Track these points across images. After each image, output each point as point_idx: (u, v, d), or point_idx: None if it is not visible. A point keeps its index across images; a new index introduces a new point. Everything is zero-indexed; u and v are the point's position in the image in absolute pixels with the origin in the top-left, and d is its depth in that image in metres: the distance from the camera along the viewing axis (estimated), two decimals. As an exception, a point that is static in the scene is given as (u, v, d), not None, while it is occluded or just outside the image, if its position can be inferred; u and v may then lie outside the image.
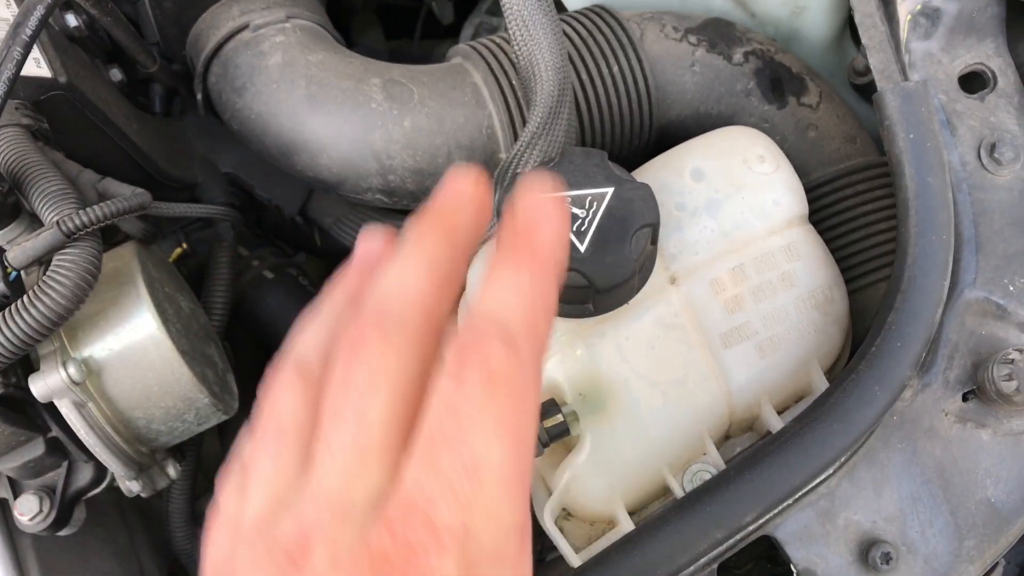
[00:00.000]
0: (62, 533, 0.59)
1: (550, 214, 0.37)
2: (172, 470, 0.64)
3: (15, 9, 0.60)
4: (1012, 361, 0.53)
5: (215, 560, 0.34)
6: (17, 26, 0.51)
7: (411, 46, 1.08)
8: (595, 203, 0.52)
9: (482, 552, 0.31)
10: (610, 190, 0.53)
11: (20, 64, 0.51)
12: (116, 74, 0.74)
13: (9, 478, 0.59)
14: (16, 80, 0.51)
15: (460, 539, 0.31)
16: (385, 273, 0.36)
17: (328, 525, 0.32)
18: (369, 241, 0.41)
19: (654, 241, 0.53)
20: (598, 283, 0.50)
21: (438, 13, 0.93)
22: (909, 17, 0.58)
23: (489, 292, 0.36)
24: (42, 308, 0.50)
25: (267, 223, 0.84)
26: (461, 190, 0.39)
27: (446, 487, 0.31)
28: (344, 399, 0.34)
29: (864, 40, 0.58)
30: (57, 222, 0.51)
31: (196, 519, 0.77)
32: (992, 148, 0.58)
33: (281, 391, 0.36)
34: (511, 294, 0.36)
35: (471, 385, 0.32)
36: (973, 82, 0.59)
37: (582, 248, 0.51)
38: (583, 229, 0.52)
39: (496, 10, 0.95)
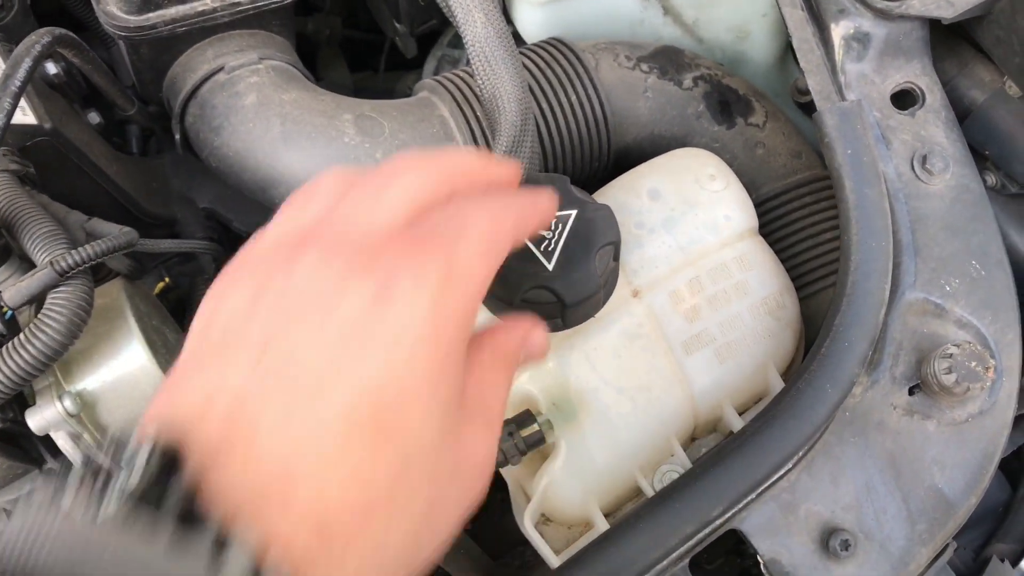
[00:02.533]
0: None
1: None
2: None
3: (-1, 61, 0.63)
4: (951, 355, 0.57)
5: (229, 263, 0.42)
6: (6, 78, 0.54)
7: (376, 79, 1.11)
8: (560, 224, 0.56)
9: (459, 264, 0.40)
10: (573, 212, 0.56)
11: (10, 115, 0.53)
12: (94, 117, 0.77)
13: (6, 511, 0.61)
14: (7, 130, 0.53)
15: (448, 247, 0.40)
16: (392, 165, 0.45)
17: (336, 229, 0.41)
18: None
19: (616, 258, 0.57)
20: (566, 298, 0.54)
21: (401, 47, 0.97)
22: (842, 42, 0.63)
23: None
24: (39, 345, 0.53)
25: (244, 255, 0.87)
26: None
27: (445, 230, 0.41)
28: (382, 171, 0.43)
29: (802, 64, 0.63)
30: (50, 262, 0.54)
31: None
32: (924, 160, 0.62)
33: (322, 177, 0.45)
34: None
35: (484, 199, 0.44)
36: (904, 99, 0.64)
37: (550, 266, 0.54)
38: (550, 249, 0.55)
39: (457, 43, 0.98)
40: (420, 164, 0.44)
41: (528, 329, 0.47)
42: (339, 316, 0.37)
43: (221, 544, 0.32)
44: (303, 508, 0.34)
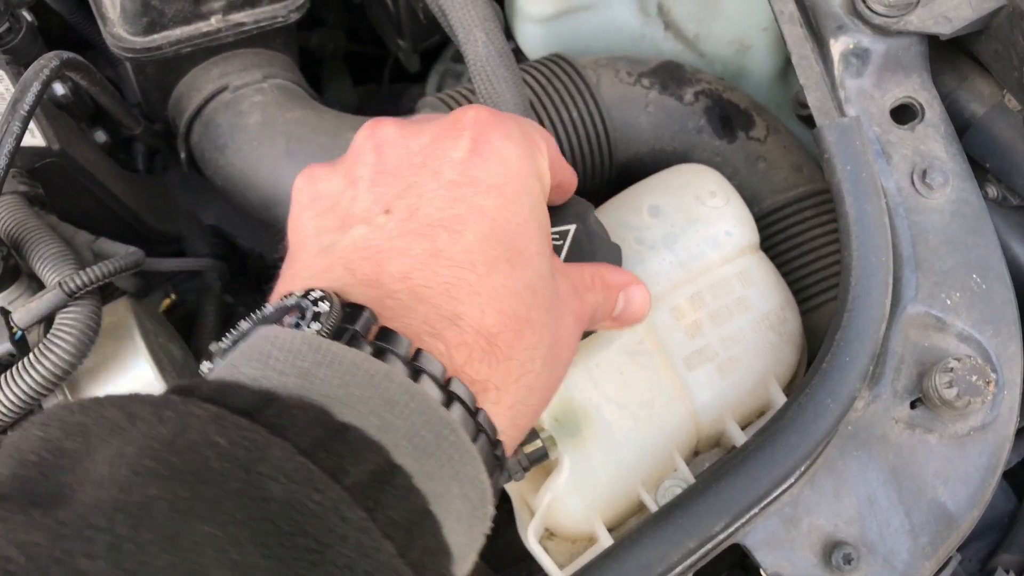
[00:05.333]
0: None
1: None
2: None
3: (8, 83, 0.64)
4: (952, 369, 0.57)
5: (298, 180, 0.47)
6: (15, 102, 0.54)
7: (379, 92, 1.12)
8: (560, 237, 0.56)
9: (534, 147, 0.45)
10: (572, 227, 0.56)
11: (20, 138, 0.54)
12: (101, 136, 0.78)
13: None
14: (16, 152, 0.54)
15: (519, 119, 0.47)
16: None
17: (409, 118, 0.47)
18: None
19: None
20: None
21: (405, 62, 0.98)
22: (841, 58, 0.63)
23: None
24: (48, 364, 0.53)
25: (250, 271, 0.88)
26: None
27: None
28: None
29: (802, 80, 0.63)
30: (59, 283, 0.54)
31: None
32: (924, 174, 0.62)
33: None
34: None
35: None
36: (904, 114, 0.64)
37: None
38: None
39: (460, 57, 0.99)
40: None
41: (632, 280, 0.52)
42: (447, 167, 0.42)
43: (412, 357, 0.36)
44: (473, 329, 0.39)
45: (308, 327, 0.35)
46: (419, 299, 0.38)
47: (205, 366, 0.38)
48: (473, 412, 0.38)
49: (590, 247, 0.56)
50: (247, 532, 0.28)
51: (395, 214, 0.41)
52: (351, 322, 0.36)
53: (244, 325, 0.38)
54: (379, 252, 0.40)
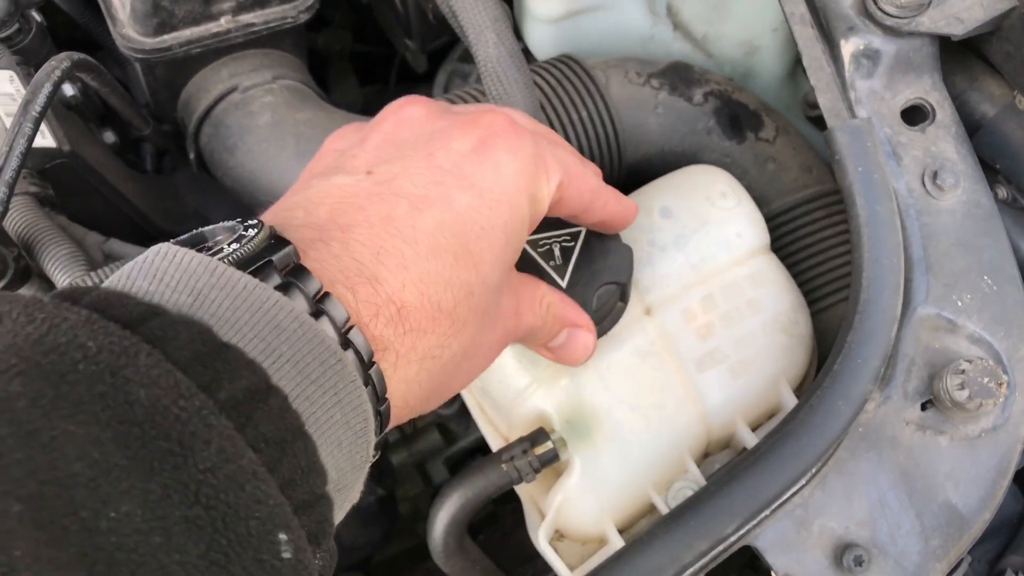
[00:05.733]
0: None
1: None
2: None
3: (18, 84, 0.64)
4: (963, 371, 0.57)
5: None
6: (27, 103, 0.54)
7: (386, 92, 1.12)
8: (572, 239, 0.56)
9: (546, 151, 0.47)
10: (583, 229, 0.56)
11: (31, 139, 0.54)
12: (110, 137, 0.78)
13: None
14: (28, 153, 0.54)
15: (538, 138, 0.47)
16: None
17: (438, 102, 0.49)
18: None
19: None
20: (621, 279, 0.54)
21: (412, 62, 0.98)
22: (852, 59, 0.63)
23: None
24: (60, 366, 0.53)
25: (258, 271, 0.88)
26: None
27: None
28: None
29: (812, 81, 0.63)
30: (70, 284, 0.54)
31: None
32: (935, 175, 0.62)
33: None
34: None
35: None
36: (914, 115, 0.64)
37: (563, 283, 0.55)
38: (560, 265, 0.55)
39: (468, 57, 0.99)
40: None
41: (584, 325, 0.53)
42: (443, 154, 0.44)
43: (318, 299, 0.36)
44: (387, 294, 0.39)
45: (224, 250, 0.36)
46: (348, 252, 0.39)
47: (103, 270, 0.38)
48: (367, 364, 0.38)
49: (601, 248, 0.56)
50: (110, 433, 0.29)
51: (374, 175, 0.42)
52: (270, 254, 0.36)
53: (180, 238, 0.39)
54: (340, 202, 0.41)
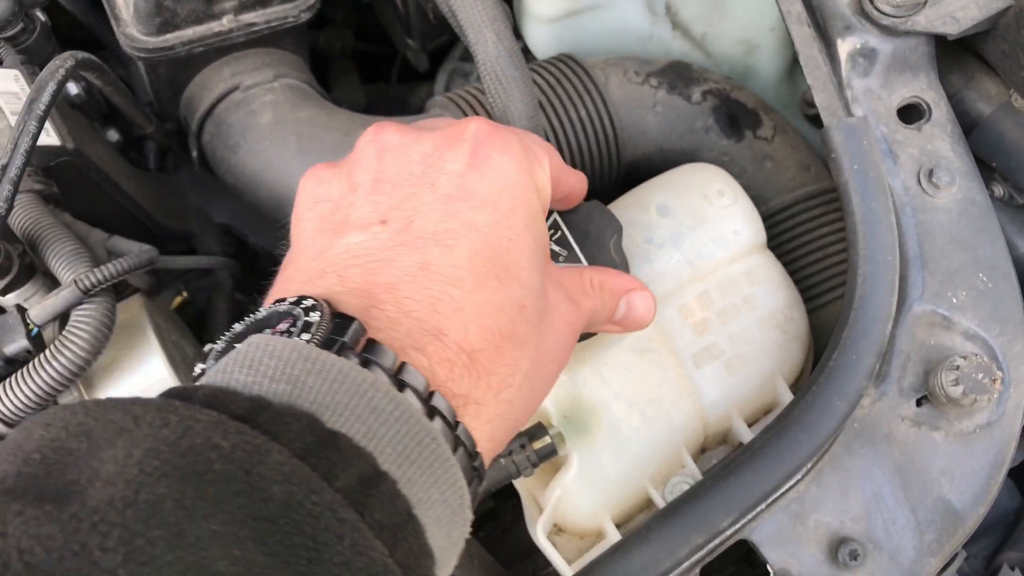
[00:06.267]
0: None
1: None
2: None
3: (23, 83, 0.65)
4: (958, 367, 0.58)
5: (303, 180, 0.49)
6: (32, 102, 0.55)
7: (388, 90, 1.12)
8: (554, 230, 0.56)
9: (533, 161, 0.46)
10: (554, 212, 0.56)
11: (36, 137, 0.55)
12: (113, 135, 0.79)
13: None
14: (32, 152, 0.55)
15: (521, 146, 0.46)
16: None
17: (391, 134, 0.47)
18: None
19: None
20: None
21: (413, 61, 0.98)
22: (849, 58, 0.63)
23: None
24: (64, 360, 0.54)
25: (261, 268, 0.89)
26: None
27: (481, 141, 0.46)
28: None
29: (809, 80, 0.63)
30: (75, 280, 0.55)
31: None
32: (931, 173, 0.63)
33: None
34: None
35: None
36: (910, 114, 0.64)
37: (585, 263, 0.55)
38: (568, 253, 0.55)
39: (468, 56, 1.00)
40: None
41: (636, 286, 0.53)
42: (444, 179, 0.43)
43: (397, 370, 0.37)
44: (455, 344, 0.40)
45: (300, 336, 0.36)
46: (404, 312, 0.39)
47: (198, 367, 0.39)
48: (453, 426, 0.39)
49: (581, 218, 0.56)
50: (248, 530, 0.29)
51: (390, 224, 0.42)
52: (340, 333, 0.37)
53: (238, 327, 0.39)
54: (370, 261, 0.41)
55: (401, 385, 0.37)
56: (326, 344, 0.36)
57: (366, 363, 0.36)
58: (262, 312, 0.39)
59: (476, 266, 0.41)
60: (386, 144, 0.46)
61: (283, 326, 0.37)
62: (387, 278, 0.40)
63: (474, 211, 0.43)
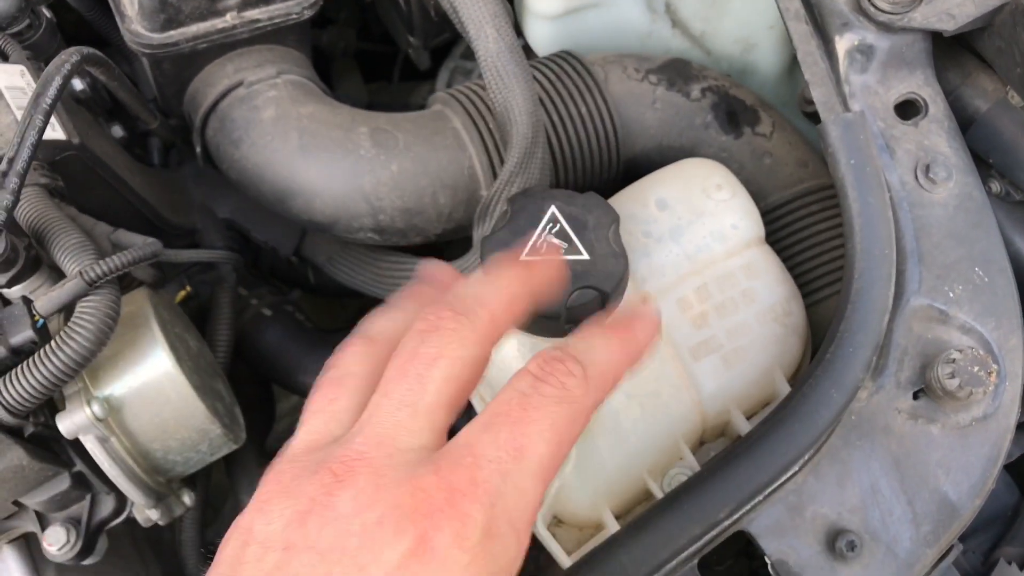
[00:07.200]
0: (87, 562, 0.63)
1: (652, 322, 0.47)
2: (187, 498, 0.68)
3: (29, 78, 0.65)
4: (954, 361, 0.58)
5: (264, 479, 0.40)
6: (37, 96, 0.56)
7: (390, 89, 1.13)
8: (552, 224, 0.56)
9: (504, 513, 0.38)
10: (551, 206, 0.56)
11: (42, 131, 0.55)
12: (118, 131, 0.79)
13: (36, 512, 0.63)
14: (38, 145, 0.56)
15: (492, 496, 0.37)
16: (463, 283, 0.44)
17: (375, 457, 0.38)
18: (434, 266, 0.49)
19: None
20: (606, 288, 0.54)
21: (415, 59, 0.99)
22: (846, 54, 0.64)
23: (584, 336, 0.45)
24: (69, 351, 0.55)
25: (263, 263, 0.89)
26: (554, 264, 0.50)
27: (494, 454, 0.38)
28: (410, 364, 0.40)
29: (807, 76, 0.64)
30: (80, 272, 0.56)
31: (206, 547, 0.80)
32: (927, 169, 0.63)
33: (347, 353, 0.44)
34: (601, 345, 0.44)
35: (547, 388, 0.40)
36: (907, 109, 0.65)
37: (586, 255, 0.55)
38: (569, 246, 0.56)
39: (470, 54, 1.00)
40: (453, 336, 0.41)
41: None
42: (377, 566, 0.36)
43: None
44: None
45: None
46: None
47: None
48: None
49: (578, 210, 0.56)
50: None
51: None
52: None
53: None
54: None
55: None
56: None
57: None
58: None
59: None
60: (343, 487, 0.38)
61: None
62: None
63: None
